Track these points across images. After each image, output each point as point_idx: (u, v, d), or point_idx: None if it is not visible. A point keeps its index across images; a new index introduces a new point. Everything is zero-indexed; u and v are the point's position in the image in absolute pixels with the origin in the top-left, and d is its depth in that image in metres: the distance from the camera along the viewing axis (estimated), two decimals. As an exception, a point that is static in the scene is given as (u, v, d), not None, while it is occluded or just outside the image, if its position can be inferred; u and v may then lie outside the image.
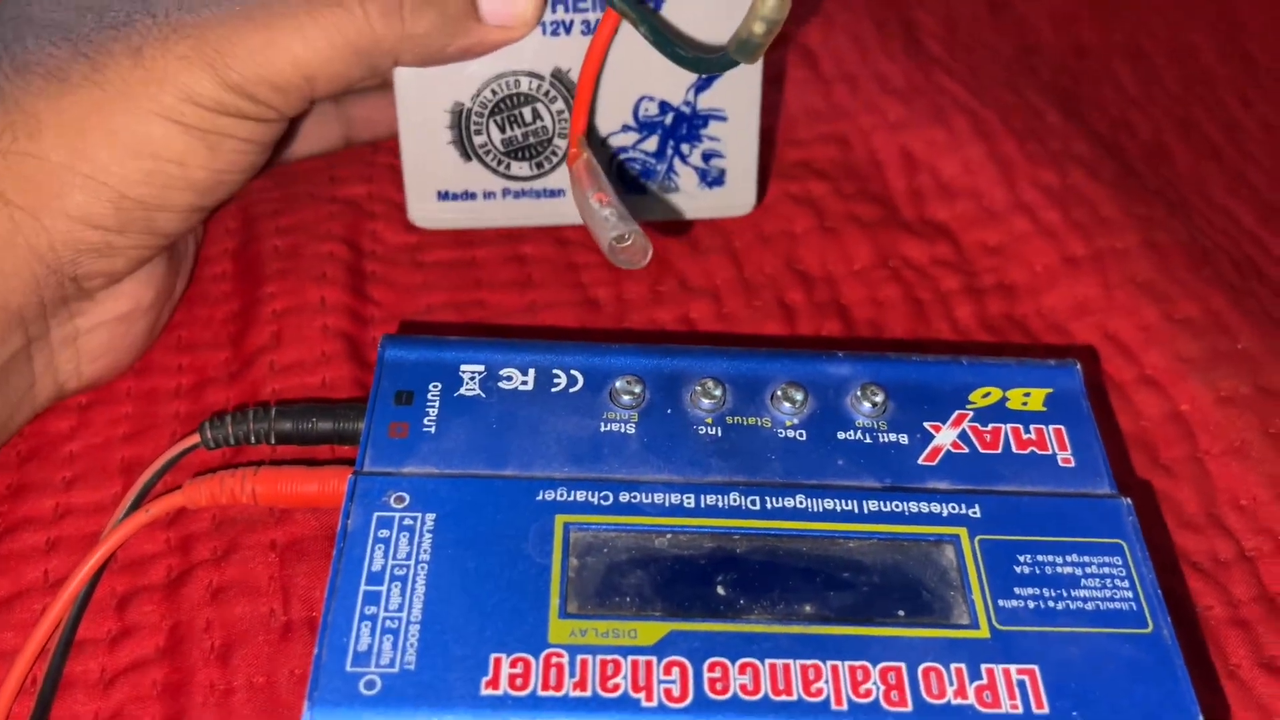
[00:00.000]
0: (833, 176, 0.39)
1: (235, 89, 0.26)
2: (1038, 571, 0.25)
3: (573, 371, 0.28)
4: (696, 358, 0.28)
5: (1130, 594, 0.24)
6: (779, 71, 0.43)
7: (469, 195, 0.32)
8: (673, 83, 0.31)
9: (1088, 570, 0.25)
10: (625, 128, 0.32)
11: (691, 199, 0.33)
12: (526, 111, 0.31)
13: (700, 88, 0.31)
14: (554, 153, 0.32)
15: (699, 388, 0.28)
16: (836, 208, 0.38)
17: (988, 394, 0.28)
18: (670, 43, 0.27)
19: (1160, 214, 0.37)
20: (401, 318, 0.33)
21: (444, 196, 0.32)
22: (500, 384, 0.28)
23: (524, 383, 0.28)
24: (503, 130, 0.31)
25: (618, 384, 0.28)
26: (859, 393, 0.28)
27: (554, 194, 0.33)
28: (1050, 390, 0.28)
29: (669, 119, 0.32)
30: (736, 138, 0.33)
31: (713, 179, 0.33)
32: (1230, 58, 0.48)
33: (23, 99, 0.25)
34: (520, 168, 0.32)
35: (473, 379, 0.28)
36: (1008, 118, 0.41)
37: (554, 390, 0.28)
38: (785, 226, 0.37)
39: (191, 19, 0.26)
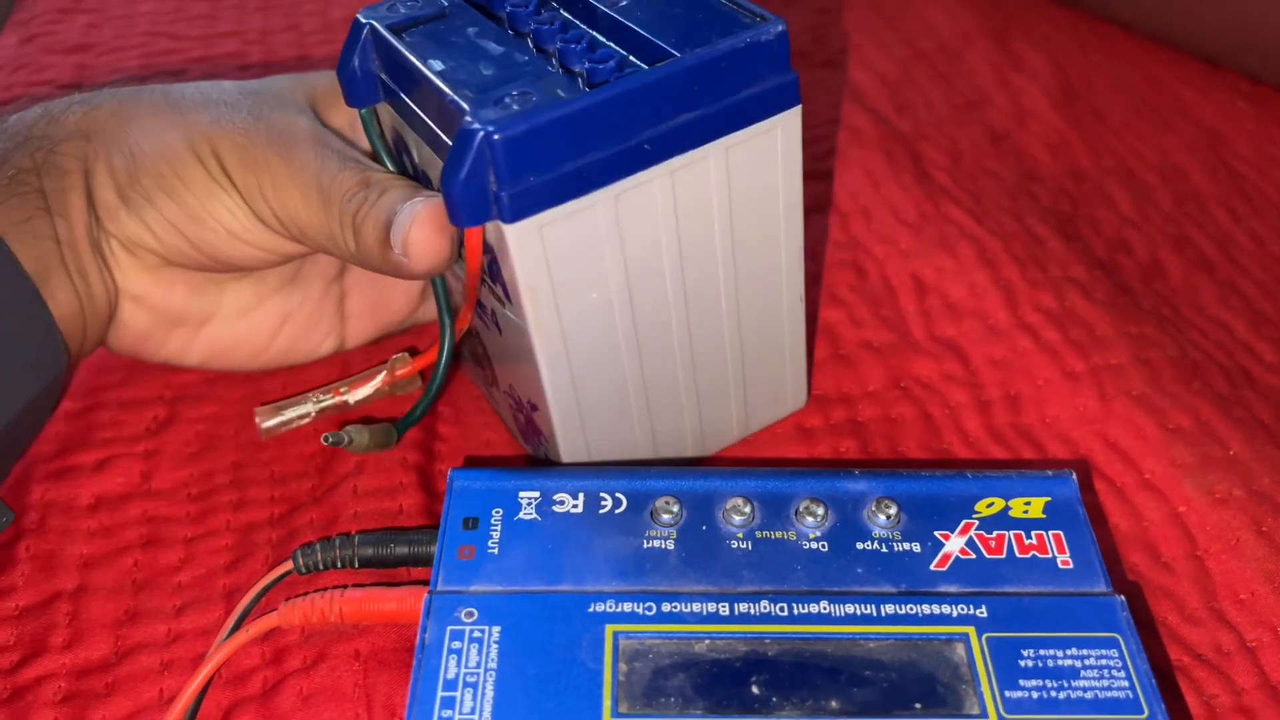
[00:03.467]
0: (848, 303, 0.43)
1: (227, 174, 0.34)
2: (1041, 665, 0.27)
3: (617, 494, 0.32)
4: (727, 479, 0.32)
5: (1126, 683, 0.27)
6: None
7: None
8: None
9: (1086, 662, 0.28)
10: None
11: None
12: None
13: (533, 408, 0.34)
14: None
15: (730, 506, 0.31)
16: (851, 335, 0.41)
17: (991, 504, 0.31)
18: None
19: (1152, 331, 0.41)
20: (465, 451, 0.37)
21: None
22: (554, 508, 0.31)
23: (574, 506, 0.31)
24: None
25: (657, 504, 0.31)
26: (874, 506, 0.31)
27: None
28: (1049, 499, 0.31)
29: (521, 420, 0.36)
30: (555, 455, 0.35)
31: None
32: (1217, 174, 0.51)
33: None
34: None
35: (530, 504, 0.31)
36: (1010, 245, 0.45)
37: (601, 512, 0.31)
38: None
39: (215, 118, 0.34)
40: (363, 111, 0.34)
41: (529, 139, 0.27)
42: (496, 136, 0.27)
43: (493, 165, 0.27)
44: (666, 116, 0.29)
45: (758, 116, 0.30)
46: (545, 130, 0.28)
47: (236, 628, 0.32)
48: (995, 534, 0.31)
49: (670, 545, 0.30)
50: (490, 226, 0.29)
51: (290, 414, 0.37)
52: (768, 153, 0.31)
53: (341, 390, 0.37)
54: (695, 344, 0.33)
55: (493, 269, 0.30)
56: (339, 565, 0.32)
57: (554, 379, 0.32)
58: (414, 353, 0.38)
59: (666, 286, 0.32)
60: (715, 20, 0.30)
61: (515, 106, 0.28)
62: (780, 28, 0.30)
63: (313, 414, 0.37)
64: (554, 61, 0.30)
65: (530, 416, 0.34)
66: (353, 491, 0.35)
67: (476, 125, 0.27)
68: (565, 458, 0.34)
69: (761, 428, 0.38)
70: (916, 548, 0.30)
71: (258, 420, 0.37)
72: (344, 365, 0.40)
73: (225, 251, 0.35)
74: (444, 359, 0.34)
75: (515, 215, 0.28)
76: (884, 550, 0.30)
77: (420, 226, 0.30)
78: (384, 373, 0.37)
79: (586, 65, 0.29)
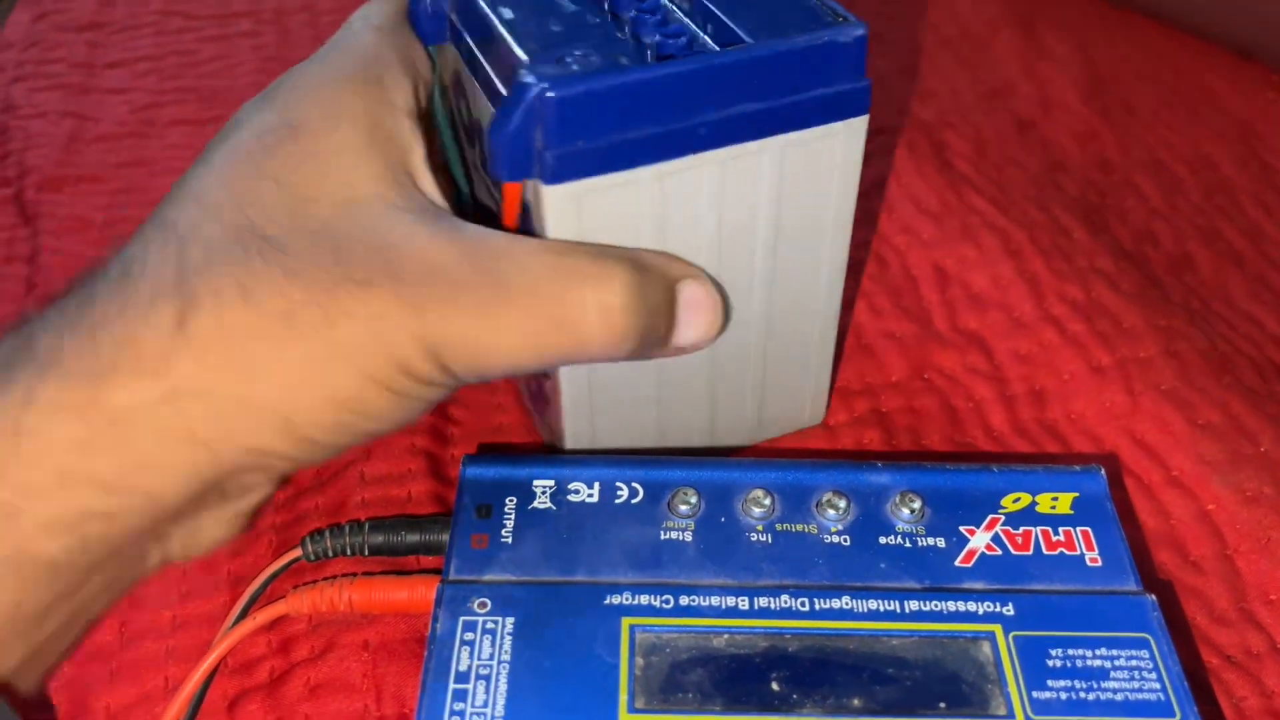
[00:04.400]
0: (868, 292, 0.42)
1: (448, 372, 0.26)
2: (1069, 664, 0.27)
3: (633, 484, 0.31)
4: (747, 470, 0.31)
5: (1158, 684, 0.26)
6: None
7: None
8: None
9: (1116, 663, 0.27)
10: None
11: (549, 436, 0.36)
12: None
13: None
14: None
15: (750, 498, 0.30)
16: (872, 325, 0.40)
17: (1018, 499, 0.30)
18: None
19: (1181, 324, 0.40)
20: (478, 435, 0.36)
21: None
22: (568, 497, 0.31)
23: (590, 495, 0.31)
24: None
25: (675, 495, 0.30)
26: (898, 500, 0.30)
27: None
28: (1076, 494, 0.30)
29: (532, 388, 0.35)
30: (559, 432, 0.34)
31: (557, 437, 0.35)
32: (1248, 167, 0.50)
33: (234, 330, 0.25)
34: None
35: (544, 493, 0.31)
36: (1035, 235, 0.44)
37: (617, 502, 0.30)
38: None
39: (428, 293, 0.25)
40: (427, 48, 0.32)
41: (583, 102, 0.26)
42: (550, 94, 0.26)
43: (542, 123, 0.26)
44: (728, 103, 0.28)
45: (822, 119, 0.29)
46: (601, 96, 0.27)
47: (244, 615, 0.31)
48: (1022, 530, 0.30)
49: (688, 537, 0.30)
50: (530, 184, 0.28)
51: None
52: (826, 158, 0.30)
53: None
54: (719, 342, 0.33)
55: (525, 227, 0.30)
56: (348, 552, 0.32)
57: None
58: None
59: None
60: (796, 12, 0.29)
61: (575, 67, 0.27)
62: (860, 31, 0.28)
63: None
64: (625, 29, 0.29)
65: (541, 386, 0.34)
66: (360, 478, 0.34)
67: (532, 79, 0.26)
68: (569, 441, 0.33)
69: (772, 438, 0.37)
70: (941, 543, 0.29)
71: None
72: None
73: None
74: None
75: (556, 177, 0.27)
76: (908, 545, 0.29)
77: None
78: None
79: (657, 38, 0.28)
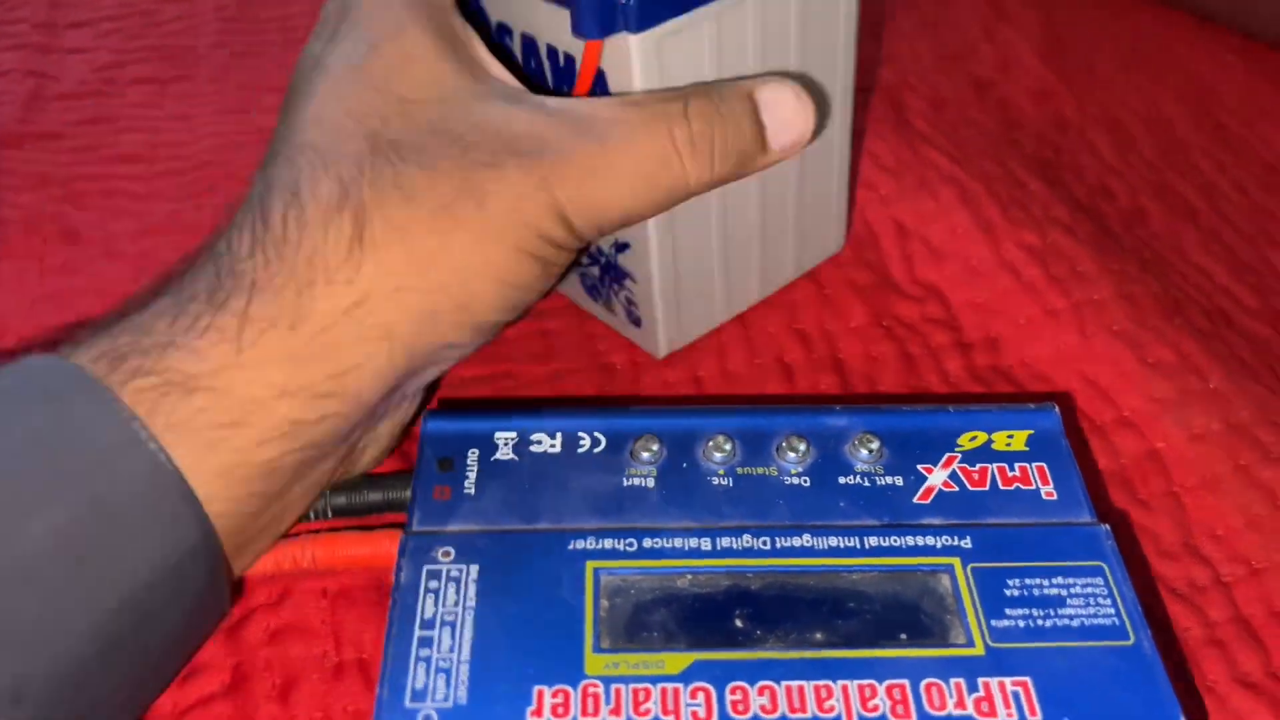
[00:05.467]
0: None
1: (575, 233, 0.29)
2: (1026, 593, 0.27)
3: (595, 434, 0.31)
4: (707, 416, 0.31)
5: (1112, 610, 0.27)
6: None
7: None
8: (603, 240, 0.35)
9: (1072, 590, 0.27)
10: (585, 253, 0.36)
11: (623, 325, 0.38)
12: None
13: (619, 249, 0.35)
14: None
15: (711, 443, 0.30)
16: (833, 275, 0.41)
17: (974, 437, 0.31)
18: None
19: (1134, 269, 0.40)
20: (439, 392, 0.36)
21: None
22: (531, 448, 0.31)
23: (552, 446, 0.31)
24: None
25: (637, 443, 0.31)
26: (856, 441, 0.31)
27: None
28: (1031, 432, 0.31)
29: (602, 263, 0.36)
30: (646, 300, 0.35)
31: (634, 318, 0.36)
32: (1203, 126, 0.51)
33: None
34: None
35: (506, 444, 0.31)
36: (992, 187, 0.44)
37: (579, 451, 0.31)
38: (786, 295, 0.40)
39: (548, 164, 0.28)
40: None
41: None
42: None
43: None
44: None
45: None
46: None
47: (207, 574, 0.31)
48: (978, 467, 0.30)
49: (650, 483, 0.30)
50: (609, 44, 0.29)
51: None
52: None
53: None
54: (767, 176, 0.34)
55: (596, 91, 0.31)
56: (312, 516, 0.31)
57: None
58: None
59: None
60: None
61: None
62: None
63: None
64: None
65: (613, 260, 0.35)
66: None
67: None
68: (658, 300, 0.35)
69: (811, 267, 0.40)
70: (899, 481, 0.30)
71: None
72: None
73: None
74: None
75: (641, 24, 0.29)
76: (866, 484, 0.30)
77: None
78: None
79: None
